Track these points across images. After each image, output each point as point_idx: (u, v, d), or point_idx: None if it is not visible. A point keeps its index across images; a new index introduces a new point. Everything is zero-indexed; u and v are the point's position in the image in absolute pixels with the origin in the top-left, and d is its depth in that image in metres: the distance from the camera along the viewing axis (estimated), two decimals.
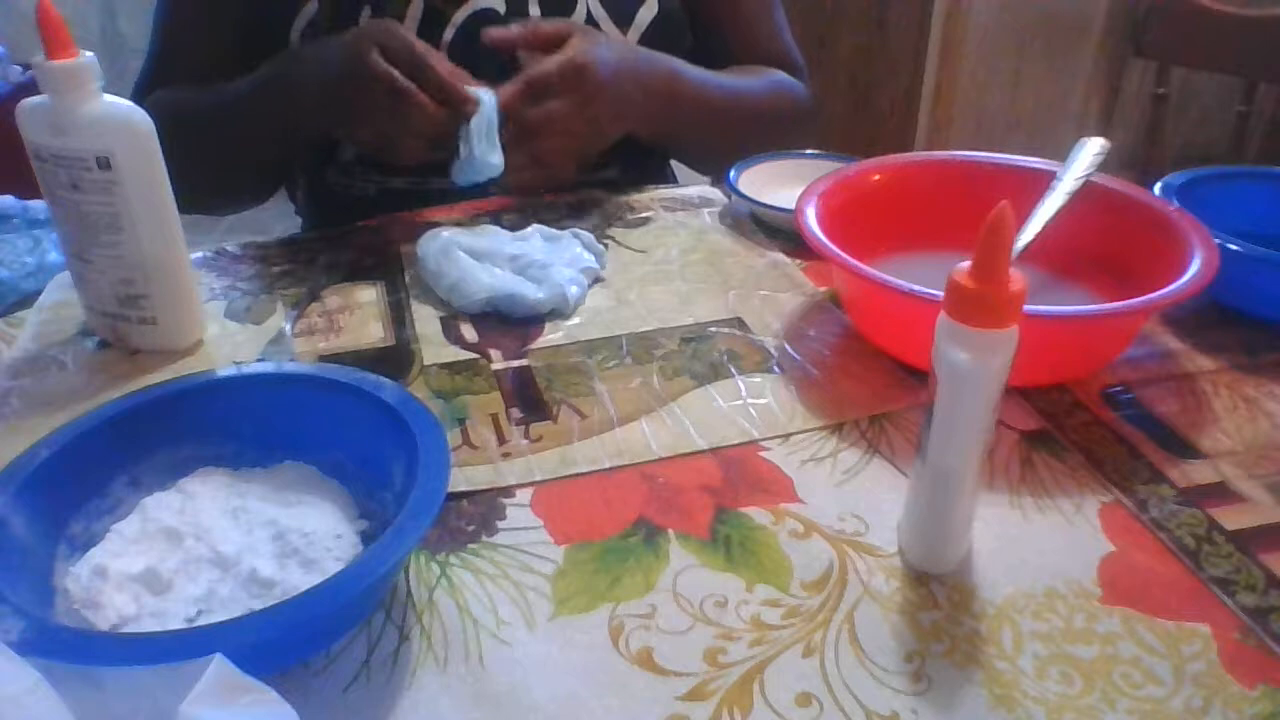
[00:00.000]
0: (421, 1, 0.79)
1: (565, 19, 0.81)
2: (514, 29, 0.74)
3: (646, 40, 0.84)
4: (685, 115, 0.82)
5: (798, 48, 0.97)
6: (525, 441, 0.51)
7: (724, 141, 0.83)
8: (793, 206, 0.62)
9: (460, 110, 0.69)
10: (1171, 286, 0.52)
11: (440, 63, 0.70)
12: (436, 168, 0.77)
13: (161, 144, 0.56)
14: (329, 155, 0.88)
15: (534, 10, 0.81)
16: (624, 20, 0.83)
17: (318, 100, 0.73)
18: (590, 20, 0.82)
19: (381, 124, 0.69)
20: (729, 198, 0.80)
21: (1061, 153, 0.67)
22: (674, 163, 1.01)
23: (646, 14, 0.84)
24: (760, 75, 0.92)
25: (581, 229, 0.72)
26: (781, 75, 0.93)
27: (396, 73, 0.67)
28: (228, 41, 0.85)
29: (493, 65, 0.79)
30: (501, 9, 0.80)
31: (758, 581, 0.43)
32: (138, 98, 0.82)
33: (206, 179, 0.77)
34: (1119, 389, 0.56)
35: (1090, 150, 0.65)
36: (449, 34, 0.80)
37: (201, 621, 0.38)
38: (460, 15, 0.80)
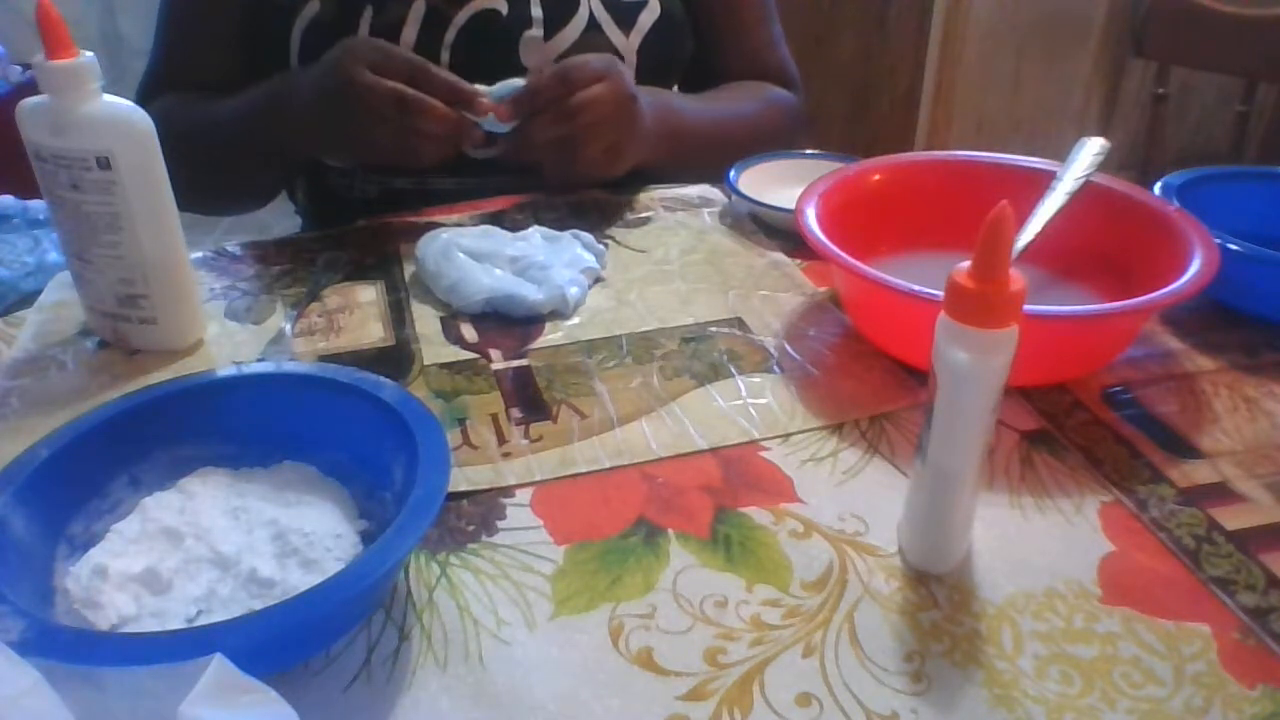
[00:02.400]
0: (423, 2, 0.79)
1: (569, 13, 0.81)
2: (548, 77, 0.72)
3: (649, 44, 0.84)
4: (683, 149, 0.83)
5: (792, 58, 0.98)
6: (525, 441, 0.51)
7: (715, 167, 0.83)
8: (793, 206, 0.62)
9: (471, 106, 0.69)
10: (1171, 286, 0.52)
11: (437, 68, 0.70)
12: (438, 168, 0.77)
13: (162, 151, 0.56)
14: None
15: (535, 11, 0.80)
16: (626, 23, 0.83)
17: (312, 128, 0.73)
18: (592, 22, 0.82)
19: (391, 138, 0.69)
20: (729, 198, 0.80)
21: (1061, 153, 0.67)
22: None
23: (648, 17, 0.84)
24: (752, 95, 0.92)
25: (582, 229, 0.72)
26: (774, 91, 0.94)
27: (401, 85, 0.67)
28: (230, 43, 0.85)
29: (494, 66, 0.79)
30: (504, 9, 0.80)
31: (758, 581, 0.43)
32: (140, 103, 0.81)
33: (204, 187, 0.78)
34: (1119, 389, 0.56)
35: (1090, 150, 0.65)
36: (450, 35, 0.80)
37: (201, 621, 0.38)
38: (462, 16, 0.80)
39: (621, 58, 0.83)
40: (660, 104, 0.80)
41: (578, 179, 0.77)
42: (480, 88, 0.70)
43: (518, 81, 0.71)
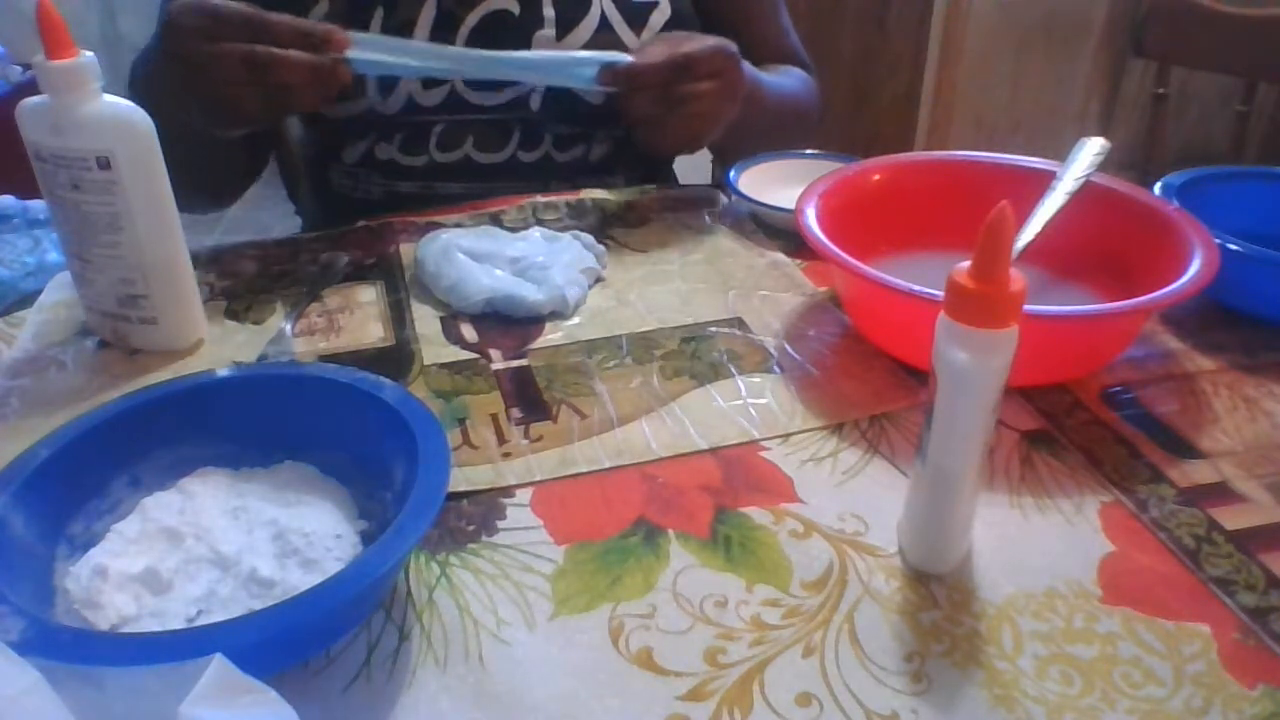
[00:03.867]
0: (435, 4, 0.78)
1: (581, 13, 0.81)
2: (665, 63, 0.71)
3: None
4: (754, 117, 0.83)
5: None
6: (525, 441, 0.51)
7: (768, 140, 0.84)
8: (793, 206, 0.62)
9: (332, 47, 0.65)
10: (1171, 286, 0.52)
11: (275, 14, 0.65)
12: (444, 170, 0.75)
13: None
14: (333, 157, 0.87)
15: (548, 11, 0.80)
16: (638, 23, 0.83)
17: (187, 109, 0.68)
18: (604, 22, 0.82)
19: (255, 100, 0.65)
20: (729, 198, 0.80)
21: (1061, 153, 0.67)
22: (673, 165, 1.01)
23: (659, 18, 0.84)
24: (789, 74, 0.93)
25: (582, 229, 0.72)
26: (802, 72, 0.95)
27: (241, 45, 0.63)
28: None
29: None
30: (515, 10, 0.80)
31: (758, 581, 0.43)
32: (130, 82, 0.79)
33: (174, 172, 0.72)
34: (1119, 389, 0.56)
35: (1090, 150, 0.65)
36: (463, 36, 0.79)
37: (201, 621, 0.38)
38: (473, 17, 0.79)
39: None
40: (749, 77, 0.80)
41: (660, 152, 0.78)
42: (580, 54, 0.68)
43: (620, 56, 0.69)
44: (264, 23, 0.64)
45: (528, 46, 0.79)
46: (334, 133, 0.86)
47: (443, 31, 0.78)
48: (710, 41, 0.73)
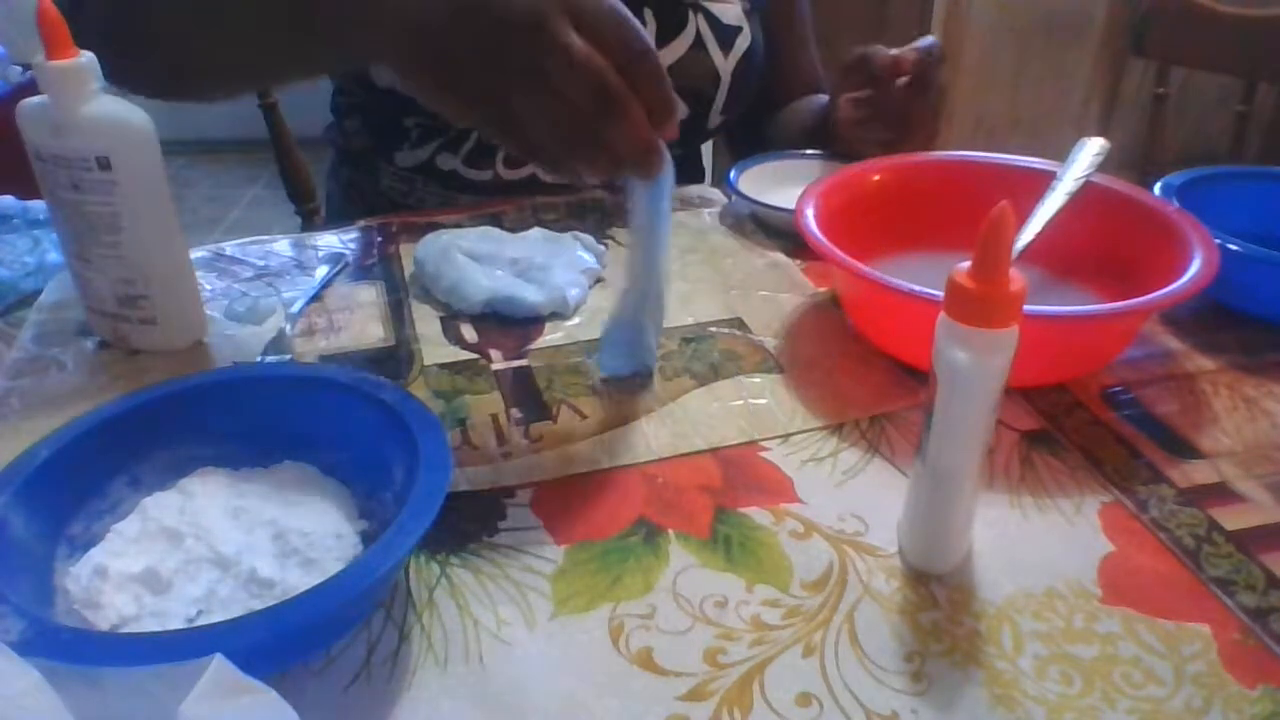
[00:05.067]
0: None
1: (679, 28, 0.82)
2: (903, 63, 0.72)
3: (740, 68, 0.86)
4: None
5: None
6: (525, 441, 0.51)
7: None
8: (793, 206, 0.62)
9: (665, 126, 0.47)
10: (1171, 286, 0.52)
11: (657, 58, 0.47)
12: (508, 187, 0.70)
13: None
14: (387, 158, 0.85)
15: (649, 25, 0.80)
16: (726, 45, 0.84)
17: (413, 50, 0.46)
18: (698, 40, 0.83)
19: (556, 132, 0.45)
20: (729, 198, 0.80)
21: (1061, 153, 0.67)
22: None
23: (743, 43, 0.86)
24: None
25: (582, 230, 0.72)
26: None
27: (611, 68, 0.44)
28: None
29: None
30: None
31: (758, 581, 0.43)
32: None
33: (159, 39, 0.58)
34: (1119, 389, 0.56)
35: (1090, 150, 0.65)
36: None
37: (201, 621, 0.38)
38: None
39: (719, 77, 0.84)
40: None
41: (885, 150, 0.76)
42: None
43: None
44: (647, 60, 0.45)
45: None
46: (394, 134, 0.83)
47: None
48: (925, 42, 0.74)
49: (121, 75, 0.56)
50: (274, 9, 0.52)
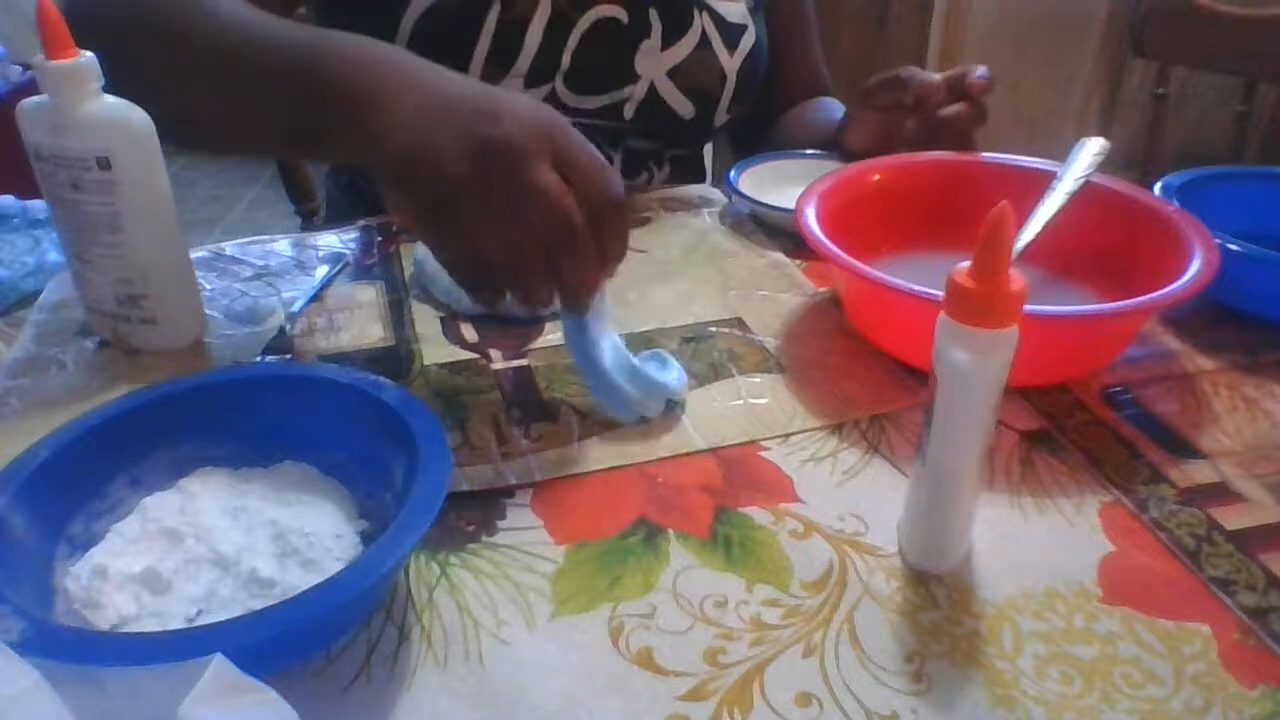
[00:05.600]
0: (549, 4, 0.77)
1: (685, 28, 0.82)
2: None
3: (745, 67, 0.86)
4: None
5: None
6: (525, 441, 0.51)
7: None
8: (793, 206, 0.62)
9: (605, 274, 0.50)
10: (1171, 286, 0.52)
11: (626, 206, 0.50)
12: None
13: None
14: None
15: (656, 25, 0.81)
16: (731, 44, 0.84)
17: (405, 150, 0.47)
18: (704, 39, 0.83)
19: (514, 257, 0.47)
20: (729, 198, 0.80)
21: (1061, 153, 0.67)
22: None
23: (748, 41, 0.86)
24: (832, 108, 0.95)
25: None
26: (833, 102, 0.97)
27: (577, 210, 0.46)
28: None
29: (609, 72, 0.80)
30: (624, 18, 0.80)
31: (758, 581, 0.43)
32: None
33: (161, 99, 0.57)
34: (1119, 389, 0.56)
35: (1090, 150, 0.65)
36: (574, 39, 0.79)
37: (201, 621, 0.38)
38: (584, 21, 0.79)
39: (725, 76, 0.84)
40: None
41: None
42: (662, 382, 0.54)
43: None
44: (618, 212, 0.48)
45: (634, 53, 0.81)
46: None
47: (555, 32, 0.78)
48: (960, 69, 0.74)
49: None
50: (274, 106, 0.53)
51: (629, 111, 0.83)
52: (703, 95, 0.84)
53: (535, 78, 0.78)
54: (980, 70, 0.72)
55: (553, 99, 0.80)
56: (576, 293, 0.50)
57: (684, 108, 0.84)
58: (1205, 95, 2.21)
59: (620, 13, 0.80)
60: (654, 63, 0.81)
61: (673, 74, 0.82)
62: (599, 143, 0.84)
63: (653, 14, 0.80)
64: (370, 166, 0.50)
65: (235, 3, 0.58)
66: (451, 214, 0.47)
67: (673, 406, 0.54)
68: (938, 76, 0.73)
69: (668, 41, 0.81)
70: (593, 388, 0.53)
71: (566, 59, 0.79)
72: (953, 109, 0.72)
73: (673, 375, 0.54)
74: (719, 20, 0.83)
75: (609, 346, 0.53)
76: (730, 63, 0.84)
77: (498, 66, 0.76)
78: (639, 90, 0.82)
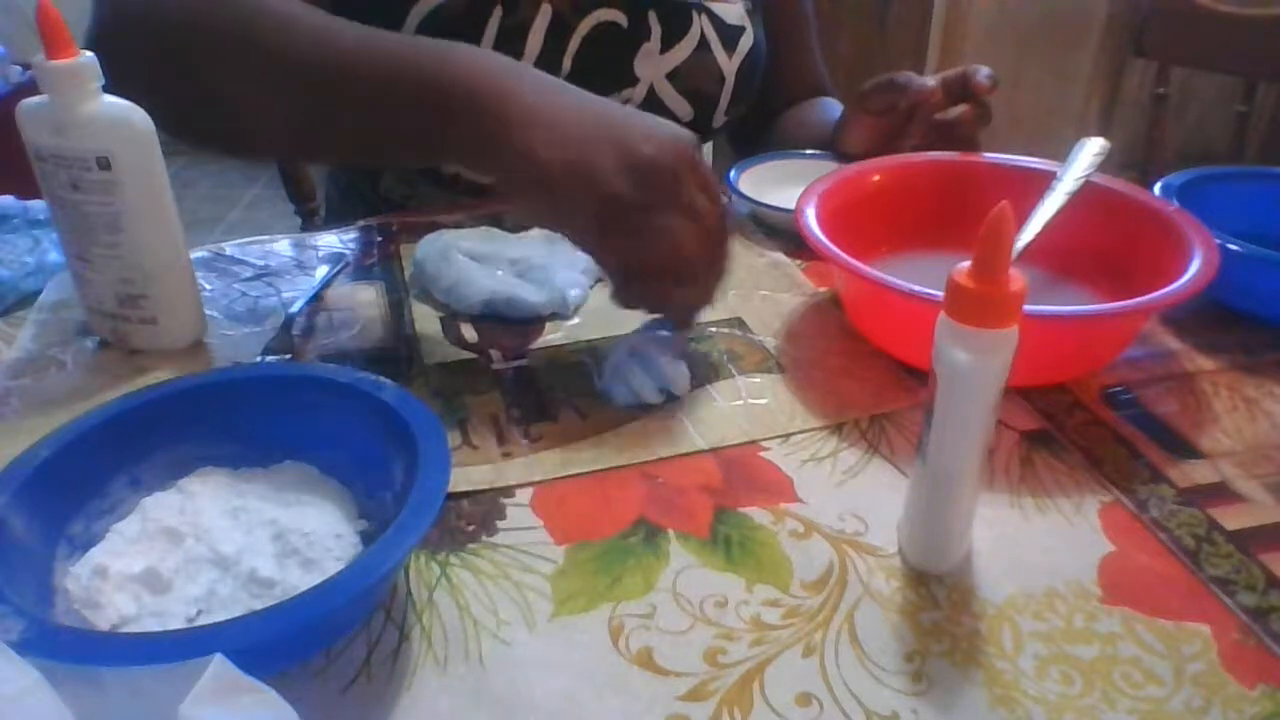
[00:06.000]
0: (550, 9, 0.77)
1: (684, 31, 0.82)
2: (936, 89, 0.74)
3: (743, 68, 0.86)
4: None
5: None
6: (525, 441, 0.51)
7: None
8: (793, 206, 0.62)
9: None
10: (1171, 286, 0.52)
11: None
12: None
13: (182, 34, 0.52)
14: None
15: (655, 28, 0.81)
16: (730, 45, 0.84)
17: (563, 176, 0.48)
18: (703, 41, 0.83)
19: (674, 264, 0.50)
20: (729, 198, 0.80)
21: (1061, 153, 0.67)
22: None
23: (746, 42, 0.86)
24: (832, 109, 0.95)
25: None
26: (833, 103, 0.97)
27: (725, 233, 0.52)
28: None
29: (609, 75, 0.80)
30: (624, 22, 0.80)
31: (758, 581, 0.43)
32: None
33: (218, 115, 0.57)
34: (1119, 389, 0.56)
35: (1090, 150, 0.65)
36: (574, 43, 0.79)
37: (201, 621, 0.38)
38: (585, 25, 0.79)
39: (723, 78, 0.84)
40: None
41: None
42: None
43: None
44: (727, 234, 0.53)
45: (634, 57, 0.81)
46: None
47: (556, 36, 0.78)
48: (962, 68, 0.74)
49: (149, 110, 0.54)
50: (390, 113, 0.52)
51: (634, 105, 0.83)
52: (701, 97, 0.84)
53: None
54: (985, 70, 0.72)
55: None
56: (702, 305, 0.54)
57: (682, 110, 0.84)
58: (1205, 95, 2.21)
59: (620, 16, 0.80)
60: (653, 66, 0.81)
61: (672, 76, 0.82)
62: None
63: (652, 17, 0.80)
64: (506, 174, 0.50)
65: (307, 10, 0.56)
66: (615, 226, 0.49)
67: (671, 397, 0.54)
68: (932, 81, 0.73)
69: (667, 44, 0.81)
70: (606, 374, 0.55)
71: (567, 63, 0.79)
72: (956, 111, 0.72)
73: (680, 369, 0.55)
74: (717, 22, 0.83)
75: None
76: (729, 65, 0.84)
77: None
78: (638, 93, 0.82)
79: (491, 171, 0.51)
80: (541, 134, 0.49)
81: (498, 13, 0.76)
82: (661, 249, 0.49)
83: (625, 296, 0.53)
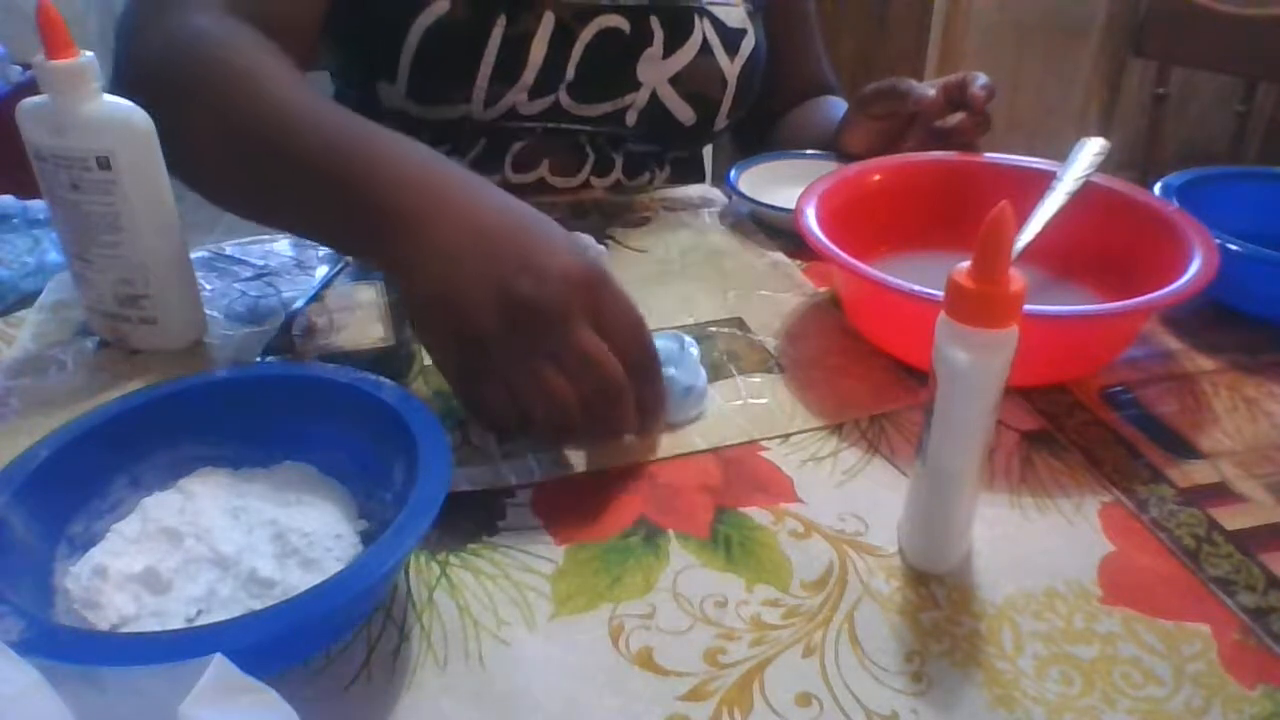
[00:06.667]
0: (553, 18, 0.77)
1: (686, 35, 0.82)
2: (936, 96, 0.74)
3: (745, 70, 0.86)
4: None
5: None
6: (525, 441, 0.51)
7: None
8: (793, 206, 0.62)
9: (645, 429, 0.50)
10: (1171, 286, 0.52)
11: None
12: (516, 191, 0.66)
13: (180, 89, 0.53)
14: None
15: (657, 33, 0.81)
16: (731, 49, 0.84)
17: (429, 303, 0.47)
18: (705, 45, 0.83)
19: (551, 409, 0.46)
20: (729, 198, 0.80)
21: (1061, 153, 0.67)
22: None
23: (748, 45, 0.86)
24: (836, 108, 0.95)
25: (582, 229, 0.72)
26: (838, 101, 0.97)
27: (620, 372, 0.46)
28: (320, 7, 0.72)
29: (612, 81, 0.80)
30: (626, 29, 0.80)
31: (758, 581, 0.43)
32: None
33: (211, 175, 0.59)
34: (1119, 389, 0.56)
35: (1090, 150, 0.65)
36: (578, 50, 0.79)
37: (201, 621, 0.38)
38: (587, 32, 0.79)
39: (725, 81, 0.84)
40: None
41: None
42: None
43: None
44: (651, 361, 0.48)
45: (636, 62, 0.81)
46: (406, 133, 0.83)
47: (559, 45, 0.78)
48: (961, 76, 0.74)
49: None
50: (314, 207, 0.52)
51: (631, 118, 0.83)
52: (704, 101, 0.84)
53: (540, 89, 0.79)
54: (981, 79, 0.72)
55: (556, 108, 0.80)
56: (615, 436, 0.49)
57: (685, 113, 0.84)
58: (1205, 95, 2.21)
59: (622, 23, 0.80)
60: (656, 71, 0.81)
61: (674, 81, 0.82)
62: (600, 147, 0.84)
63: (654, 22, 0.80)
64: (401, 292, 0.50)
65: (287, 74, 0.57)
66: (477, 363, 0.46)
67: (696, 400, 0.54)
68: (933, 90, 0.73)
69: (670, 49, 0.81)
70: None
71: (570, 70, 0.79)
72: (955, 119, 0.72)
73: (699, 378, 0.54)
74: (719, 25, 0.83)
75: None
76: (731, 68, 0.84)
77: (503, 80, 0.77)
78: (641, 98, 0.82)
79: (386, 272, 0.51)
80: (426, 256, 0.47)
81: (501, 23, 0.76)
82: (530, 396, 0.45)
83: (487, 427, 0.50)
